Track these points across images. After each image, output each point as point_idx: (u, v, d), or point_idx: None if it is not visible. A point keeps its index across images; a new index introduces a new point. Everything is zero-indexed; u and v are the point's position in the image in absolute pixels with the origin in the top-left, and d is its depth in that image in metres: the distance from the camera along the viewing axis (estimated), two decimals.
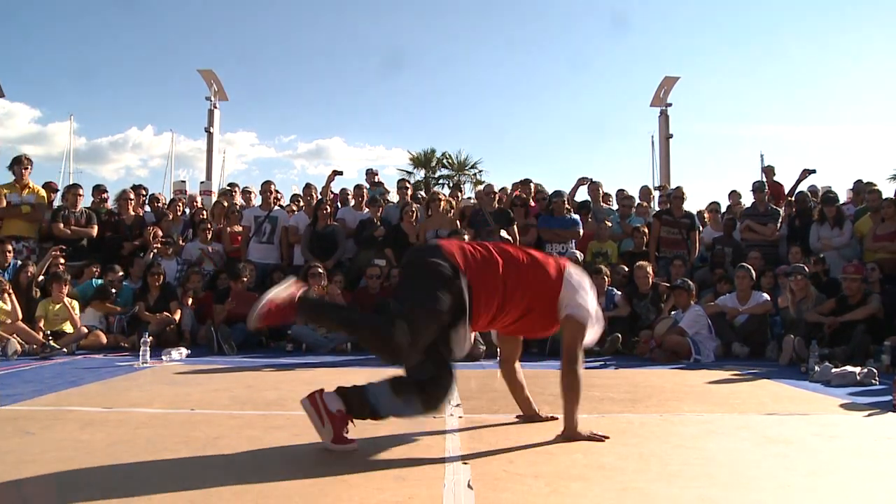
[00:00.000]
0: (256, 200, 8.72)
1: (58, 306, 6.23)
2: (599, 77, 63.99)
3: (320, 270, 6.49)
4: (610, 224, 8.04)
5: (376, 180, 9.80)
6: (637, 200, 8.94)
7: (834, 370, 4.57)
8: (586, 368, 5.02)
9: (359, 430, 2.84)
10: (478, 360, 5.63)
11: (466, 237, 6.38)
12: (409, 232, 7.55)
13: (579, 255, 7.43)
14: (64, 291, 6.23)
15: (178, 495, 1.95)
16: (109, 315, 6.74)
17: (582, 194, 8.97)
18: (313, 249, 7.45)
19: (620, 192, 8.86)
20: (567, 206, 7.93)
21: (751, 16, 59.87)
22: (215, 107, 14.10)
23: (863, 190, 8.25)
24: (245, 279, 6.78)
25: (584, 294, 2.72)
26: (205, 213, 8.38)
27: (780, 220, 7.98)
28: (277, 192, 8.60)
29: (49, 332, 6.01)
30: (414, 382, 2.47)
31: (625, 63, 61.50)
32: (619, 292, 6.82)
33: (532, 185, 8.89)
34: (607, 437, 2.67)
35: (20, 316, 6.01)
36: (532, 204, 8.50)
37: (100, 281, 6.89)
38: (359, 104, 61.39)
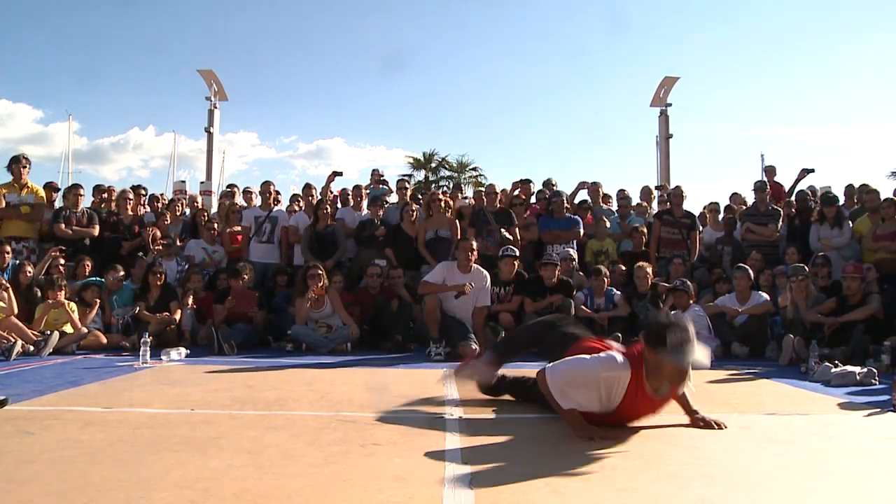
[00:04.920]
0: (257, 201, 8.71)
1: (56, 310, 6.22)
2: (599, 77, 64.05)
3: (320, 271, 6.49)
4: (608, 224, 8.05)
5: (382, 179, 9.81)
6: (636, 200, 8.95)
7: (834, 370, 4.57)
8: None
9: (358, 429, 2.85)
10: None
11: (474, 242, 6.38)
12: (410, 232, 7.55)
13: (573, 252, 7.43)
14: (60, 295, 6.21)
15: (178, 495, 1.95)
16: (111, 316, 6.72)
17: (582, 195, 8.99)
18: (313, 249, 7.45)
19: (621, 192, 8.87)
20: (566, 205, 7.95)
21: (750, 16, 59.93)
22: (215, 107, 14.09)
23: (854, 193, 8.29)
24: (245, 277, 6.79)
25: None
26: (206, 214, 8.36)
27: (780, 220, 7.98)
28: (277, 192, 8.61)
29: (48, 332, 6.00)
30: None
31: (625, 63, 61.58)
32: (619, 292, 6.82)
33: (531, 185, 8.92)
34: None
35: (16, 310, 6.00)
36: (532, 202, 8.54)
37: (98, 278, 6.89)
38: (359, 105, 61.49)
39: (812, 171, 8.77)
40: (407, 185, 9.45)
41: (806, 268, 6.37)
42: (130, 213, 8.01)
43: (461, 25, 63.46)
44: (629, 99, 63.39)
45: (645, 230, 7.90)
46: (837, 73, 64.53)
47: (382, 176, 9.99)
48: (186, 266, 7.43)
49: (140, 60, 64.46)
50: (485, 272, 6.26)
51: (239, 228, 7.96)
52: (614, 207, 8.85)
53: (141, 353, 5.18)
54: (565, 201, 8.01)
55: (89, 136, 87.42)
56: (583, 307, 6.62)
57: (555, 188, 8.71)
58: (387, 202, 8.63)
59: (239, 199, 8.99)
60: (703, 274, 7.48)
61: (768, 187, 8.42)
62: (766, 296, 6.50)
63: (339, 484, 2.09)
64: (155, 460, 2.33)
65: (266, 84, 61.75)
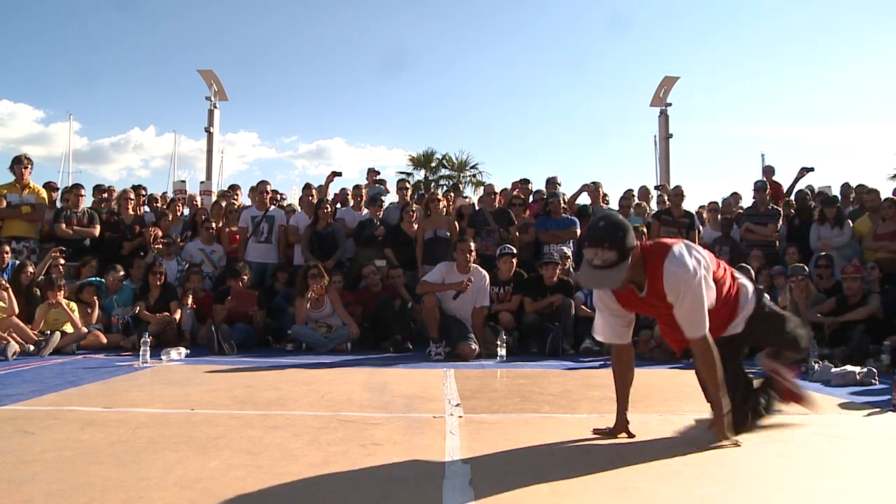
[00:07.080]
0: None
1: (56, 310, 6.23)
2: (599, 77, 64.10)
3: (320, 270, 6.48)
4: None
5: (378, 178, 9.81)
6: (636, 200, 8.95)
7: (834, 370, 4.57)
8: (585, 368, 5.00)
9: (358, 429, 2.85)
10: (468, 360, 5.63)
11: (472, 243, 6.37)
12: (409, 232, 7.55)
13: (569, 251, 7.43)
14: (59, 295, 6.21)
15: (178, 495, 1.95)
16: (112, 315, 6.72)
17: (582, 197, 9.00)
18: (313, 249, 7.45)
19: (629, 192, 8.87)
20: (563, 205, 7.95)
21: (750, 16, 59.99)
22: (215, 107, 14.08)
23: (851, 192, 8.31)
24: (245, 277, 6.79)
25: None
26: (205, 214, 8.35)
27: (779, 220, 7.98)
28: (275, 191, 8.60)
29: (48, 333, 6.00)
30: None
31: (625, 63, 61.63)
32: None
33: (529, 185, 8.92)
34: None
35: (16, 310, 6.00)
36: (531, 202, 8.54)
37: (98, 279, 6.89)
38: (360, 105, 61.50)
39: (812, 169, 8.78)
40: (407, 186, 9.45)
41: (805, 267, 6.36)
42: (131, 213, 8.01)
43: (462, 25, 63.54)
44: (629, 99, 63.50)
45: (645, 230, 7.90)
46: (837, 72, 64.63)
47: (378, 175, 10.00)
48: (187, 266, 7.43)
49: (140, 61, 64.61)
50: (484, 272, 6.27)
51: (237, 228, 7.96)
52: (614, 207, 8.84)
53: (141, 353, 5.18)
54: (562, 201, 8.01)
55: (90, 136, 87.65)
56: (583, 307, 6.62)
57: (559, 186, 8.71)
58: (383, 202, 8.64)
59: (245, 200, 8.98)
60: None
61: (768, 187, 8.41)
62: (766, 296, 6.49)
63: (339, 484, 2.09)
64: (155, 460, 2.33)
65: (266, 84, 61.83)
